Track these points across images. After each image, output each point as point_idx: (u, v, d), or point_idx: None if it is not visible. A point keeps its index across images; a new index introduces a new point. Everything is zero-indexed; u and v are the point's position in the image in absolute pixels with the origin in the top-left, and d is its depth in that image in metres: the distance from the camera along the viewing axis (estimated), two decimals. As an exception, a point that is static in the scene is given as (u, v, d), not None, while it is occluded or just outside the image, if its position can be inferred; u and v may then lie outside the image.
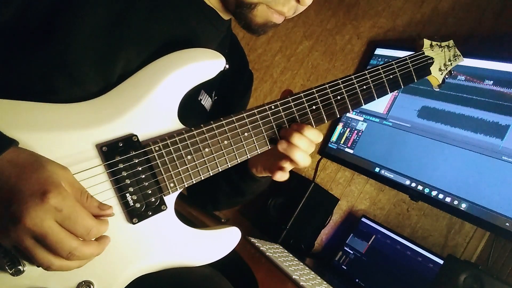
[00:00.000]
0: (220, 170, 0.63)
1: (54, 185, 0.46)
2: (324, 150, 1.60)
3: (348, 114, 1.57)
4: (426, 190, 1.25)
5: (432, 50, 0.82)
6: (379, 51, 1.57)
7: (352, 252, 1.34)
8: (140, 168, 0.57)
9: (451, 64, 0.85)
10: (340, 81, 0.70)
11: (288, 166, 0.68)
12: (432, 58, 0.82)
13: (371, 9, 1.73)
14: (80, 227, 0.48)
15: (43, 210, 0.45)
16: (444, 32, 1.50)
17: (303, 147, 0.64)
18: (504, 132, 1.16)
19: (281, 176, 0.68)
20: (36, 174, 0.46)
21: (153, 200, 0.58)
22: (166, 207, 0.60)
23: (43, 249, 0.46)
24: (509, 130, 1.15)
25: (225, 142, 0.63)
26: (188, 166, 0.61)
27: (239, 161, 0.64)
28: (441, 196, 1.22)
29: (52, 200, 0.45)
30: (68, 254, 0.47)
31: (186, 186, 0.61)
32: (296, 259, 1.22)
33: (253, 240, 1.19)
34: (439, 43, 0.84)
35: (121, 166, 0.56)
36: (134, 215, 0.57)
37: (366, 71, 0.73)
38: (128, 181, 0.56)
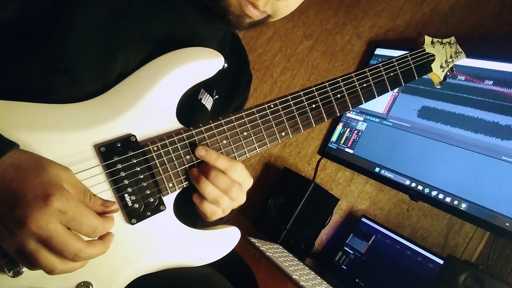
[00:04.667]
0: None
1: (56, 188, 0.46)
2: (324, 150, 1.60)
3: (348, 114, 1.56)
4: (426, 190, 1.25)
5: (433, 47, 0.82)
6: (379, 51, 1.57)
7: (352, 252, 1.34)
8: (138, 169, 0.57)
9: (452, 61, 0.85)
10: (340, 79, 0.70)
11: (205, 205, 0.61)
12: (433, 55, 0.81)
13: (371, 9, 1.73)
14: (85, 226, 0.48)
15: (47, 213, 0.45)
16: (444, 32, 1.50)
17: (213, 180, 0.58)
18: (504, 132, 1.15)
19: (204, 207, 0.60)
20: (38, 177, 0.46)
21: (151, 200, 0.58)
22: (165, 208, 0.59)
23: (47, 252, 0.46)
24: (509, 130, 1.15)
25: (224, 141, 0.62)
26: (187, 166, 0.60)
27: (238, 161, 0.64)
28: (441, 196, 1.21)
29: (55, 203, 0.45)
30: (73, 256, 0.47)
31: (185, 186, 0.61)
32: (296, 259, 1.21)
33: (253, 240, 1.19)
34: (440, 40, 0.83)
35: (119, 166, 0.56)
36: (133, 215, 0.57)
37: (366, 69, 0.73)
38: (126, 182, 0.56)
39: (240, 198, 0.62)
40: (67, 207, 0.46)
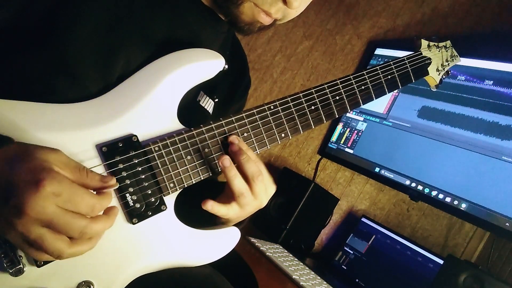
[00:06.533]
0: (219, 171, 0.63)
1: (46, 171, 0.45)
2: (324, 150, 1.60)
3: (348, 114, 1.57)
4: (426, 190, 1.25)
5: (430, 51, 0.83)
6: (379, 51, 1.57)
7: (352, 252, 1.34)
8: (140, 168, 0.57)
9: (448, 64, 0.86)
10: (338, 81, 0.71)
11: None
12: (429, 59, 0.82)
13: (371, 9, 1.73)
14: (83, 206, 0.47)
15: (42, 197, 0.44)
16: (444, 32, 1.50)
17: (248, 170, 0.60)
18: (504, 132, 1.16)
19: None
20: (26, 163, 0.45)
21: (153, 200, 0.58)
22: (166, 207, 0.60)
23: (52, 236, 0.45)
24: (509, 130, 1.15)
25: (224, 142, 0.63)
26: (188, 166, 0.61)
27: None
28: (441, 196, 1.22)
29: (48, 186, 0.44)
30: (80, 233, 0.46)
31: (186, 186, 0.61)
32: (296, 259, 1.22)
33: (253, 240, 1.19)
34: (436, 44, 0.84)
35: (121, 166, 0.56)
36: (134, 215, 0.57)
37: (364, 71, 0.74)
38: (128, 181, 0.57)
39: (261, 197, 0.62)
40: (60, 189, 0.45)
